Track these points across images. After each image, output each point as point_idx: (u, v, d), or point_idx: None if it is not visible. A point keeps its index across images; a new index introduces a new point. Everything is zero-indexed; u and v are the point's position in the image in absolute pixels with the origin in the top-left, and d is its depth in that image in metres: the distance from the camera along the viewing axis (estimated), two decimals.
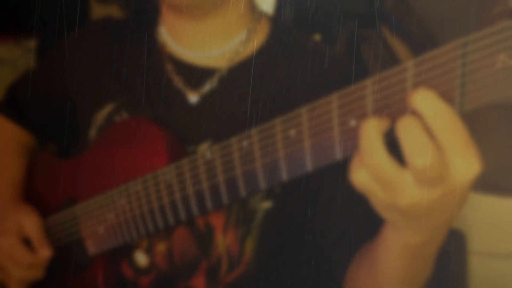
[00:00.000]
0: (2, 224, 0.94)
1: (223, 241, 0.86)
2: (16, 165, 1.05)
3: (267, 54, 0.89)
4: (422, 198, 0.55)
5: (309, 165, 0.62)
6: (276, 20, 0.93)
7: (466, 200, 0.56)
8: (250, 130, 0.67)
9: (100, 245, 0.90)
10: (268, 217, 0.86)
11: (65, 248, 0.95)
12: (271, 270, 0.89)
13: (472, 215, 1.14)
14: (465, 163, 0.52)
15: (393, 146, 0.54)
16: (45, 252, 0.92)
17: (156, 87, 0.91)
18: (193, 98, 0.89)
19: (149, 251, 0.90)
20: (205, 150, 0.74)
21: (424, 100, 0.51)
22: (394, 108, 0.54)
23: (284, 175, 0.65)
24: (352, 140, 0.58)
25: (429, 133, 0.51)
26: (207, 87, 0.88)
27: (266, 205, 0.85)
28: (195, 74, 0.89)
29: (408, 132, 0.52)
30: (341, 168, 0.61)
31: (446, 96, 0.51)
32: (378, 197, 0.57)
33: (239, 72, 0.88)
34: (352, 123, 0.57)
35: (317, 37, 0.97)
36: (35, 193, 1.02)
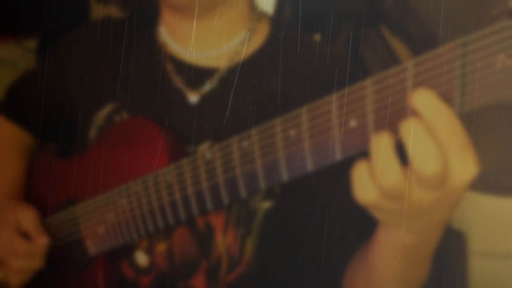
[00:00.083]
0: (0, 220, 0.94)
1: (223, 241, 0.86)
2: (16, 165, 1.05)
3: (267, 54, 0.89)
4: (422, 199, 0.55)
5: (309, 166, 0.62)
6: (276, 20, 0.93)
7: (462, 200, 0.56)
8: (250, 130, 0.67)
9: (100, 245, 0.90)
10: (268, 217, 0.86)
11: (65, 248, 0.95)
12: (271, 270, 0.89)
13: (472, 215, 1.14)
14: (462, 165, 0.52)
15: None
16: (42, 240, 0.91)
17: (156, 87, 0.91)
18: (193, 98, 0.89)
19: (149, 251, 0.90)
20: (205, 150, 0.74)
21: (424, 100, 0.51)
22: (394, 108, 0.54)
23: (284, 176, 0.65)
24: (352, 140, 0.58)
25: (433, 135, 0.51)
26: (207, 87, 0.88)
27: (266, 205, 0.85)
28: (195, 74, 0.89)
29: (415, 137, 0.51)
30: (341, 168, 0.61)
31: (446, 96, 0.51)
32: (384, 208, 0.57)
33: (239, 72, 0.88)
34: (352, 123, 0.57)
35: (317, 37, 0.97)
36: (35, 193, 1.02)
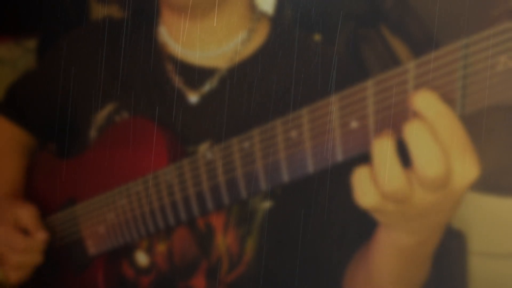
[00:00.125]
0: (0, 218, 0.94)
1: (223, 241, 0.86)
2: (16, 165, 1.05)
3: (267, 54, 0.89)
4: (424, 200, 0.55)
5: (310, 167, 0.62)
6: (276, 20, 0.93)
7: (462, 201, 0.57)
8: (250, 130, 0.67)
9: (100, 245, 0.90)
10: (268, 217, 0.86)
11: (65, 248, 0.95)
12: (271, 270, 0.89)
13: (472, 215, 1.14)
14: (464, 167, 0.52)
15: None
16: (40, 235, 0.91)
17: (156, 87, 0.91)
18: (193, 98, 0.89)
19: (149, 251, 0.90)
20: (206, 150, 0.74)
21: (426, 102, 0.51)
22: (395, 110, 0.54)
23: (285, 177, 0.65)
24: (353, 142, 0.58)
25: (437, 139, 0.51)
26: (207, 87, 0.88)
27: (266, 205, 0.85)
28: (195, 74, 0.89)
29: (418, 140, 0.51)
30: (341, 168, 0.61)
31: (448, 98, 0.51)
32: (385, 211, 0.57)
33: (239, 72, 0.88)
34: (353, 124, 0.57)
35: (317, 37, 0.97)
36: (35, 193, 1.02)
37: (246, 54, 0.89)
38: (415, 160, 0.52)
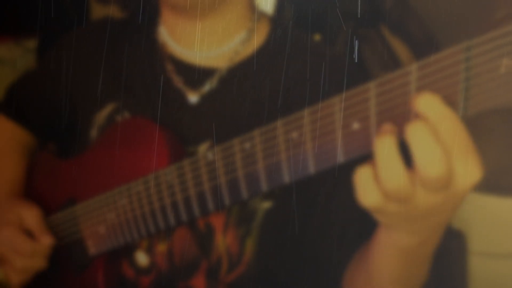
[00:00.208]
0: (2, 217, 0.94)
1: (223, 241, 0.86)
2: (16, 165, 1.05)
3: (267, 54, 0.89)
4: (425, 201, 0.55)
5: (311, 168, 0.62)
6: (276, 20, 0.93)
7: (463, 202, 0.57)
8: (251, 131, 0.67)
9: (100, 245, 0.90)
10: (268, 217, 0.86)
11: (65, 248, 0.95)
12: (271, 270, 0.89)
13: (472, 215, 1.14)
14: (466, 169, 0.52)
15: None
16: (46, 240, 0.91)
17: (156, 87, 0.91)
18: (193, 98, 0.89)
19: (149, 251, 0.90)
20: (206, 151, 0.74)
21: (428, 104, 0.51)
22: (397, 111, 0.54)
23: (286, 178, 0.65)
24: (354, 143, 0.58)
25: (438, 139, 0.51)
26: (207, 87, 0.88)
27: (266, 205, 0.85)
28: (195, 74, 0.89)
29: (420, 140, 0.51)
30: (341, 168, 0.61)
31: (450, 100, 0.51)
32: (386, 211, 0.57)
33: (239, 72, 0.88)
34: (355, 126, 0.57)
35: (317, 37, 0.97)
36: (35, 193, 1.02)
37: (246, 54, 0.89)
38: (416, 160, 0.52)
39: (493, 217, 1.17)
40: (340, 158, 0.59)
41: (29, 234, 0.92)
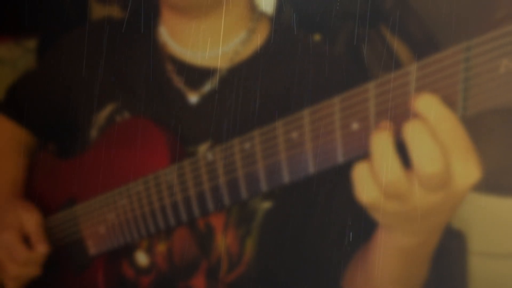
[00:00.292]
0: (3, 220, 0.94)
1: (223, 241, 0.86)
2: (16, 165, 1.05)
3: (267, 54, 0.89)
4: (424, 201, 0.55)
5: (311, 168, 0.62)
6: (276, 20, 0.93)
7: (462, 203, 0.57)
8: (251, 131, 0.67)
9: (100, 245, 0.90)
10: (268, 217, 0.86)
11: (65, 248, 0.95)
12: (271, 270, 0.89)
13: (472, 215, 1.15)
14: (466, 169, 0.52)
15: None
16: (41, 248, 0.91)
17: (156, 87, 0.91)
18: (193, 98, 0.89)
19: (149, 251, 0.90)
20: (206, 151, 0.74)
21: (428, 105, 0.51)
22: (396, 112, 0.54)
23: (286, 178, 0.65)
24: (354, 143, 0.58)
25: (436, 137, 0.51)
26: (207, 87, 0.88)
27: (266, 205, 0.85)
28: (195, 74, 0.89)
29: (417, 138, 0.51)
30: (341, 168, 0.61)
31: (449, 100, 0.51)
32: (384, 209, 0.57)
33: (239, 72, 0.88)
34: (354, 126, 0.57)
35: (317, 37, 0.97)
36: (35, 193, 1.02)
37: (246, 54, 0.89)
38: (413, 157, 0.52)
39: (493, 217, 1.17)
40: (340, 158, 0.59)
41: (26, 239, 0.92)
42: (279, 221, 0.86)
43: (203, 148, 0.86)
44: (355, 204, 0.64)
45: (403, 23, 1.08)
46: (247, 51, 0.89)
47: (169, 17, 0.92)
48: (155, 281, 0.91)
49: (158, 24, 0.95)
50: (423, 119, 0.51)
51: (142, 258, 0.91)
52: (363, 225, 0.77)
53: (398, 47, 1.09)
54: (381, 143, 0.54)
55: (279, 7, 1.06)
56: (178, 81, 0.90)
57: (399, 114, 0.54)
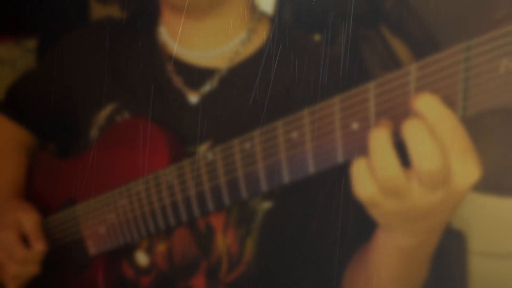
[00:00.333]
0: (2, 221, 0.94)
1: (223, 241, 0.86)
2: (16, 165, 1.05)
3: (267, 54, 0.89)
4: (424, 200, 0.55)
5: (311, 168, 0.62)
6: (276, 20, 0.93)
7: (462, 203, 0.57)
8: (251, 131, 0.67)
9: (100, 245, 0.90)
10: (268, 217, 0.86)
11: (65, 248, 0.95)
12: (271, 270, 0.89)
13: (472, 215, 1.15)
14: (465, 169, 0.52)
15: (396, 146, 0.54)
16: (39, 246, 0.91)
17: (156, 87, 0.91)
18: (193, 98, 0.89)
19: (149, 251, 0.90)
20: (206, 151, 0.74)
21: (427, 105, 0.51)
22: (396, 112, 0.54)
23: (286, 178, 0.65)
24: (354, 143, 0.58)
25: (434, 135, 0.51)
26: (207, 87, 0.88)
27: (266, 205, 0.85)
28: (195, 74, 0.89)
29: (415, 135, 0.52)
30: (341, 168, 0.61)
31: (449, 100, 0.51)
32: (383, 207, 0.57)
33: (239, 72, 0.88)
34: (354, 126, 0.57)
35: (317, 37, 0.97)
36: (35, 193, 1.02)
37: (246, 54, 0.89)
38: (412, 154, 0.52)
39: (493, 217, 1.17)
40: (340, 158, 0.59)
41: (25, 239, 0.92)
42: (279, 221, 0.86)
43: (203, 148, 0.86)
44: (355, 204, 0.64)
45: (403, 23, 1.08)
46: (247, 51, 0.89)
47: (169, 17, 0.92)
48: (155, 281, 0.91)
49: (158, 24, 0.95)
50: (422, 118, 0.51)
51: (142, 258, 0.91)
52: (363, 225, 0.77)
53: (398, 47, 1.09)
54: (379, 139, 0.54)
55: (279, 7, 1.06)
56: (178, 81, 0.90)
57: (399, 114, 0.54)
